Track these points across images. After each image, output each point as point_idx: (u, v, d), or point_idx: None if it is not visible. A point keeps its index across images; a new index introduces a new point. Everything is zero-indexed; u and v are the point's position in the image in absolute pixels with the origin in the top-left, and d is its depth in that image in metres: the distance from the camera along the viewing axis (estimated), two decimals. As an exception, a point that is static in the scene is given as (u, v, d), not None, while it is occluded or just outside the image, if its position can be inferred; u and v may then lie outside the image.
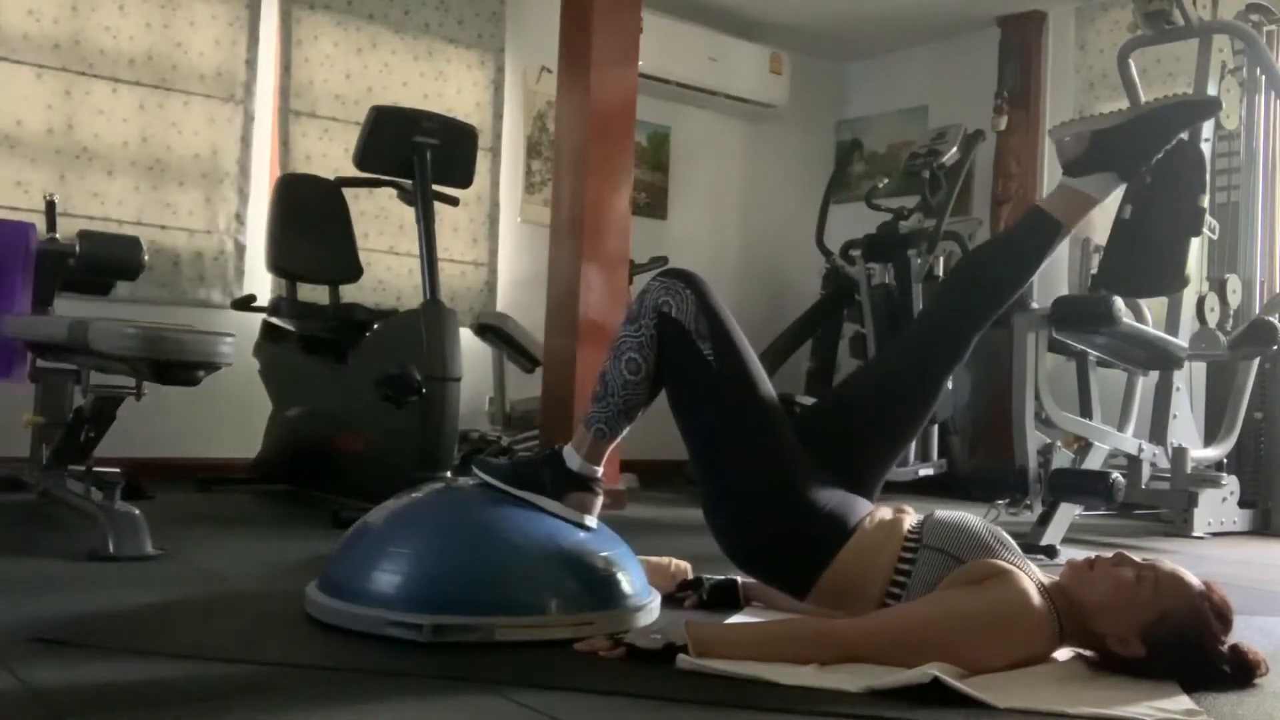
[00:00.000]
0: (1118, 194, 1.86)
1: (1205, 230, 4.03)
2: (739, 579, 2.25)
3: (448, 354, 3.47)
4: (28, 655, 1.66)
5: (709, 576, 2.30)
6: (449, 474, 3.38)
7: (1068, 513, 3.50)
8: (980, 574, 1.79)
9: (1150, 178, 1.93)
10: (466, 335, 4.47)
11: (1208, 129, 4.25)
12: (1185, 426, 4.21)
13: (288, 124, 4.86)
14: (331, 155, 4.89)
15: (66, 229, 3.72)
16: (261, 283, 4.59)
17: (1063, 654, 1.86)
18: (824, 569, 1.92)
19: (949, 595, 1.78)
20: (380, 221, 5.04)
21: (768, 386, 2.03)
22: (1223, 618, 1.75)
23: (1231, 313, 4.35)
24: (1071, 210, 2.05)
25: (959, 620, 1.73)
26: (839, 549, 1.92)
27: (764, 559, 2.03)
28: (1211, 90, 4.26)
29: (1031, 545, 3.29)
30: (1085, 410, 4.26)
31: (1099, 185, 2.04)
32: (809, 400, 5.48)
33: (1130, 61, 4.47)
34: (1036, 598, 1.75)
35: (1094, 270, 4.37)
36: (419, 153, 3.64)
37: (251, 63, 4.75)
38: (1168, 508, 4.22)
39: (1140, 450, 3.99)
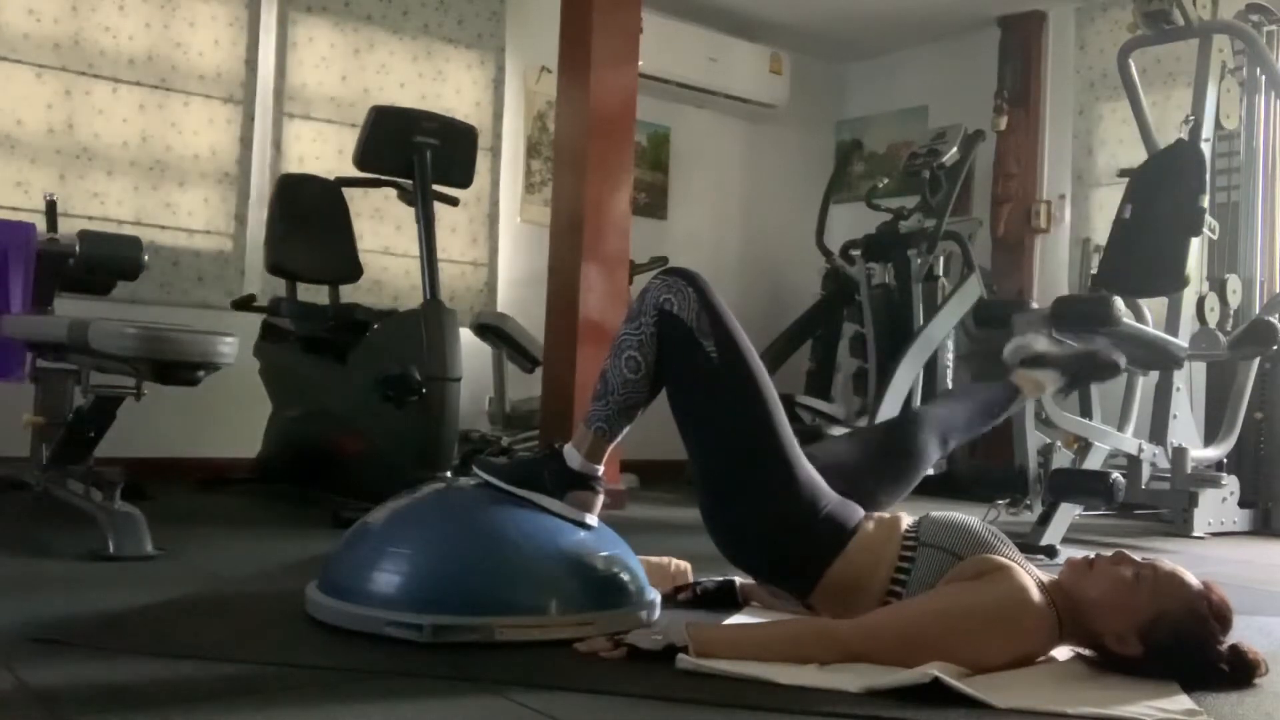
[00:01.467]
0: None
1: (1205, 230, 4.04)
2: (737, 579, 2.25)
3: (448, 354, 3.47)
4: (28, 655, 1.66)
5: (708, 578, 2.30)
6: (449, 474, 3.38)
7: (1068, 513, 3.50)
8: (979, 569, 1.79)
9: (1077, 388, 2.87)
10: (466, 335, 4.47)
11: (1208, 129, 4.25)
12: (1185, 426, 4.21)
13: (281, 127, 4.85)
14: (325, 158, 4.89)
15: (66, 229, 3.72)
16: (261, 283, 4.59)
17: (1062, 654, 1.86)
18: (826, 570, 1.92)
19: (948, 591, 1.78)
20: (375, 222, 5.04)
21: (770, 386, 2.03)
22: (1221, 618, 1.75)
23: (1231, 313, 4.35)
24: (1027, 386, 2.54)
25: (959, 615, 1.73)
26: (840, 550, 1.92)
27: (765, 560, 2.03)
28: (1211, 91, 4.27)
29: (1031, 545, 3.29)
30: (1085, 410, 4.26)
31: (1047, 377, 2.56)
32: (810, 400, 5.50)
33: (1130, 61, 4.47)
34: (1035, 592, 1.75)
35: (1094, 270, 4.37)
36: (419, 153, 3.64)
37: (251, 63, 4.75)
38: (1168, 508, 4.22)
39: (1140, 450, 3.99)
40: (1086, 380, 2.73)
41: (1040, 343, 2.62)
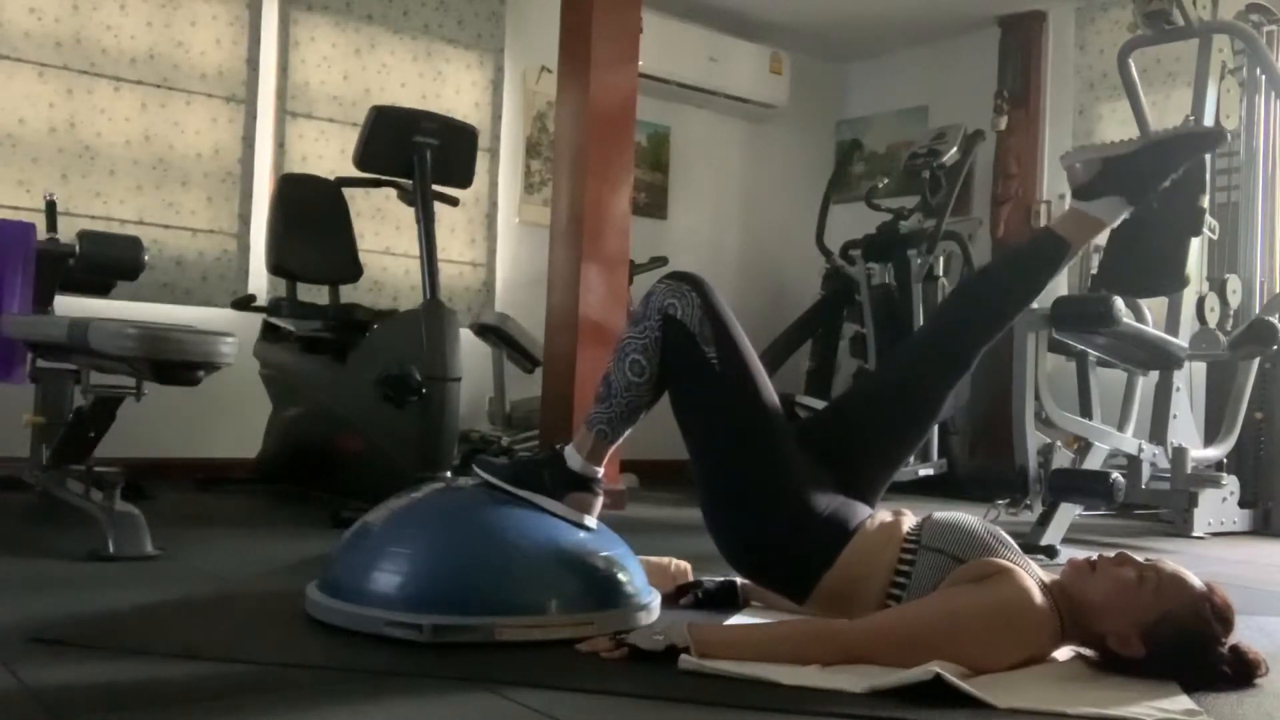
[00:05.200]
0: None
1: (1205, 230, 4.03)
2: (738, 579, 2.25)
3: (448, 354, 3.47)
4: (28, 655, 1.66)
5: (708, 579, 2.30)
6: (449, 474, 3.38)
7: (1068, 513, 3.50)
8: (981, 572, 1.79)
9: (1156, 202, 2.01)
10: (466, 335, 4.47)
11: (1208, 129, 4.25)
12: (1185, 426, 4.21)
13: (284, 125, 4.86)
14: (328, 157, 4.89)
15: (69, 228, 3.72)
16: (264, 282, 4.59)
17: (1063, 654, 1.86)
18: (825, 572, 1.92)
19: (950, 594, 1.78)
20: (376, 222, 5.04)
21: (770, 391, 2.03)
22: (1224, 619, 1.75)
23: (1231, 313, 4.34)
24: (1080, 231, 2.10)
25: (961, 618, 1.73)
26: (839, 552, 1.92)
27: (765, 563, 2.03)
28: (1211, 91, 4.27)
29: (1031, 545, 3.29)
30: (1085, 410, 4.26)
31: (1107, 209, 2.09)
32: (810, 400, 5.49)
33: (1130, 61, 4.47)
34: (1038, 595, 1.75)
35: (1094, 270, 4.37)
36: (419, 153, 3.64)
37: (253, 62, 4.75)
38: (1168, 508, 4.22)
39: (1140, 450, 3.98)
40: (1161, 181, 2.07)
41: (1100, 153, 2.14)
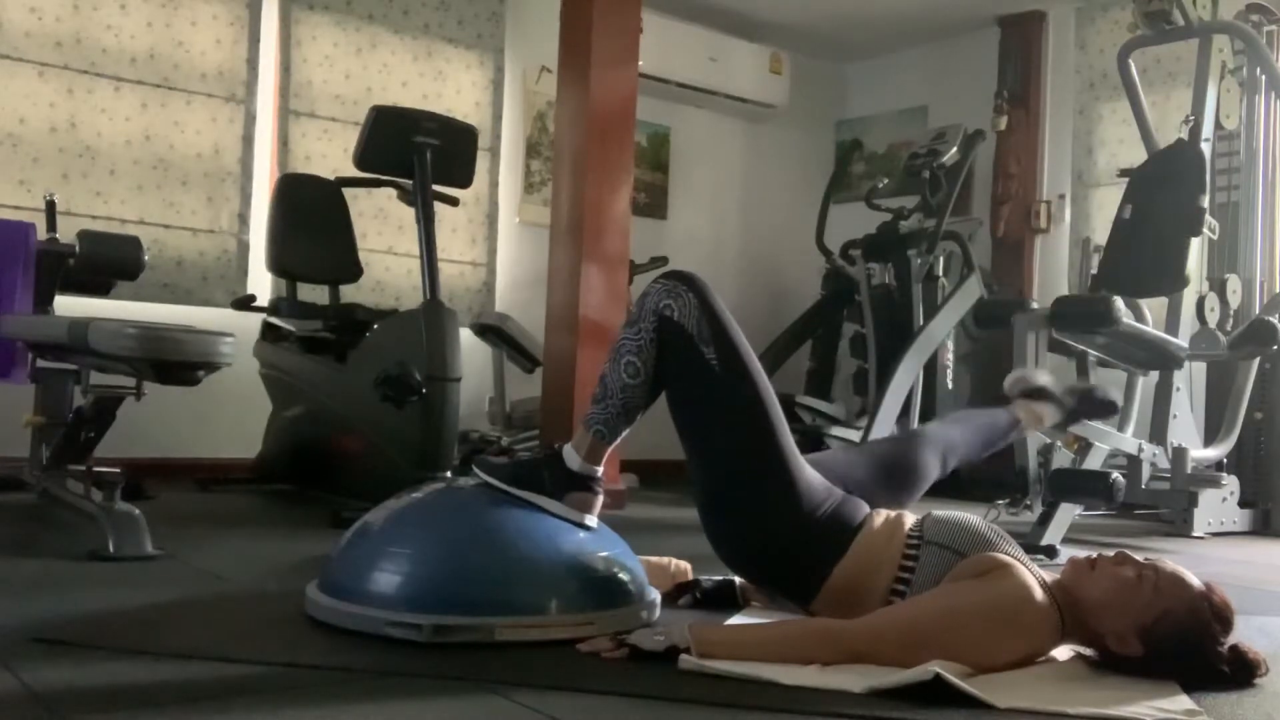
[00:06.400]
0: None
1: (1205, 230, 4.03)
2: (737, 579, 2.25)
3: (448, 354, 3.47)
4: (28, 655, 1.66)
5: (707, 578, 2.30)
6: (449, 474, 3.38)
7: (1068, 513, 3.50)
8: (982, 568, 1.79)
9: (1073, 428, 3.11)
10: (466, 335, 4.47)
11: (1208, 129, 4.25)
12: (1185, 426, 4.21)
13: (286, 124, 4.86)
14: (331, 156, 4.89)
15: (70, 228, 3.72)
16: (265, 282, 4.59)
17: (1063, 653, 1.86)
18: (830, 573, 1.92)
19: (951, 589, 1.79)
20: (379, 222, 5.04)
21: (770, 391, 2.03)
22: (1223, 619, 1.75)
23: (1231, 313, 4.34)
24: (1028, 418, 2.65)
25: (961, 613, 1.73)
26: (844, 551, 1.92)
27: (770, 566, 2.03)
28: (1211, 91, 4.27)
29: (1031, 545, 3.29)
30: (1085, 410, 4.25)
31: (1047, 411, 2.68)
32: (810, 400, 5.49)
33: (1130, 61, 4.47)
34: (1038, 590, 1.75)
35: (1094, 270, 4.38)
36: (419, 153, 3.64)
37: (253, 62, 4.76)
38: (1168, 508, 4.21)
39: (1140, 450, 3.98)
40: (1083, 417, 2.86)
41: (1041, 377, 2.72)
